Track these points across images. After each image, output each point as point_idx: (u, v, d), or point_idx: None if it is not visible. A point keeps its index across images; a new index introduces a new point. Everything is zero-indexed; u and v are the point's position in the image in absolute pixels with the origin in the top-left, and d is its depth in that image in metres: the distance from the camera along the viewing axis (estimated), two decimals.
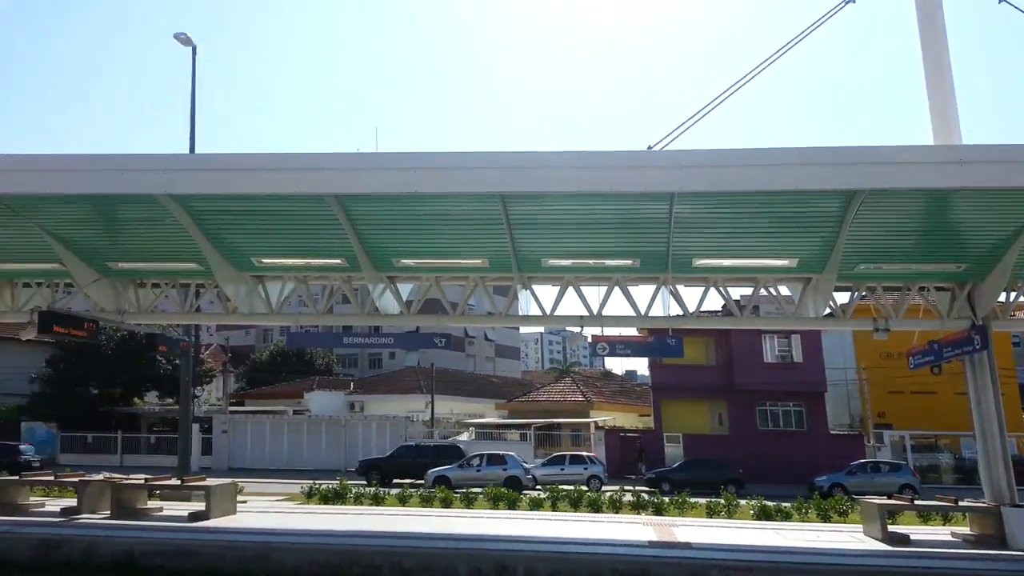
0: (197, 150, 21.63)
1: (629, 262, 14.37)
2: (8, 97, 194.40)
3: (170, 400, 47.30)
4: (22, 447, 35.41)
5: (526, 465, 29.72)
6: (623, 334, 16.37)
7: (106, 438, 42.46)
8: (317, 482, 20.46)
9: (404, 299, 15.88)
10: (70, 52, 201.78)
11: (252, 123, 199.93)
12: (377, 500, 19.28)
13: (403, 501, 19.43)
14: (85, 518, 14.80)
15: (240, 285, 15.05)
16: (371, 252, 14.25)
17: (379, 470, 30.75)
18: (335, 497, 19.55)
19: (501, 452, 30.67)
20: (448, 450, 32.22)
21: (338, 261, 14.81)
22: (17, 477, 16.97)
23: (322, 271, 15.56)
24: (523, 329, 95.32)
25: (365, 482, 27.15)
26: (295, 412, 44.88)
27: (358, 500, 19.51)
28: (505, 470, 28.42)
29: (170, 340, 18.65)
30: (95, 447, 42.02)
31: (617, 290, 15.08)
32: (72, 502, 15.81)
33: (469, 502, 18.97)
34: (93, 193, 12.19)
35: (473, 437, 42.06)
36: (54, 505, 16.43)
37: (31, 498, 17.03)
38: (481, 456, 29.65)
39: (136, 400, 46.87)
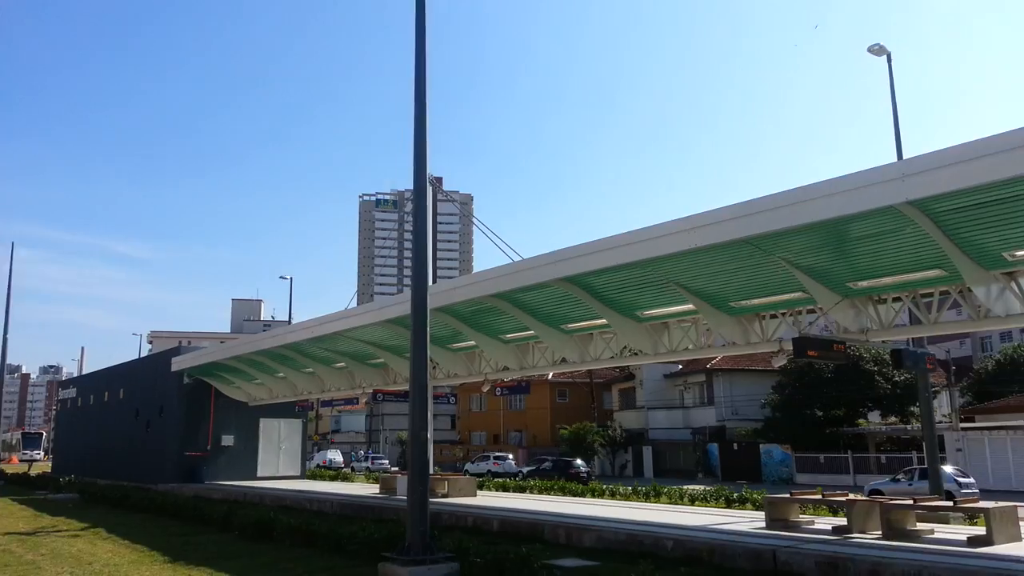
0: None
1: None
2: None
3: (893, 419, 46.16)
4: (576, 462, 43.55)
5: (962, 480, 28.44)
6: None
7: (836, 458, 43.73)
8: None
9: None
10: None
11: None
12: None
13: None
14: (858, 537, 14.74)
15: (991, 285, 13.46)
16: None
17: None
18: None
19: None
20: None
21: None
22: (788, 495, 18.07)
23: None
24: None
25: None
26: None
27: None
28: None
29: (915, 355, 17.74)
30: (826, 467, 43.74)
31: None
32: (834, 521, 16.02)
33: None
34: (830, 218, 12.49)
35: None
36: (823, 523, 16.80)
37: (801, 515, 17.92)
38: (913, 470, 29.88)
39: (860, 421, 47.13)
